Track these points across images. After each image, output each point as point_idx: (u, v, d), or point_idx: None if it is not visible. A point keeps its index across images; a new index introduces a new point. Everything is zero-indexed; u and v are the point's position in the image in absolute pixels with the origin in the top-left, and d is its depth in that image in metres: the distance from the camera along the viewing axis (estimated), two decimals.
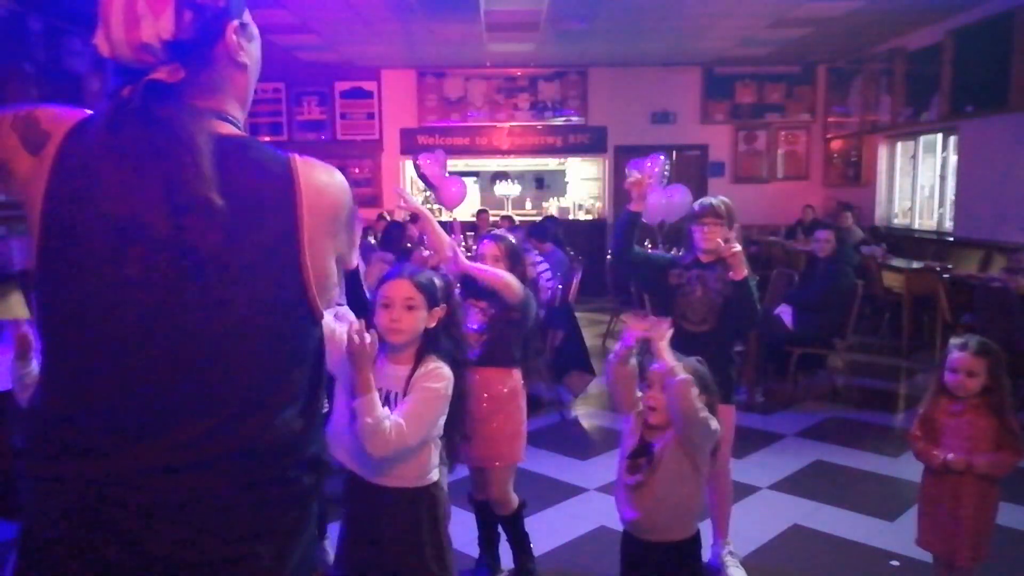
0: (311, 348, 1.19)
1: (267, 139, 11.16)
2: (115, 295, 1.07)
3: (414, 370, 2.09)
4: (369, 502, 2.11)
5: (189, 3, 1.10)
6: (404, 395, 2.06)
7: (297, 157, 1.15)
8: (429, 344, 2.12)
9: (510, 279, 2.81)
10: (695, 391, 2.15)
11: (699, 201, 3.13)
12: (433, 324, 2.12)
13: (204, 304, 1.07)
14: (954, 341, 2.59)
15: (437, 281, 2.18)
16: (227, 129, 1.15)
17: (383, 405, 2.00)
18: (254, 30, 1.23)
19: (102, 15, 1.09)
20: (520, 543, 3.04)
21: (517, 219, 9.77)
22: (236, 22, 1.16)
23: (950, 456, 2.47)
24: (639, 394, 2.32)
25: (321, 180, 1.16)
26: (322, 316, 1.19)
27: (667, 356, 2.17)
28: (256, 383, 1.12)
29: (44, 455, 1.10)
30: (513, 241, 3.03)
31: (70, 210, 1.07)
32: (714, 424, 2.18)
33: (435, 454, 2.15)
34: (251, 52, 1.21)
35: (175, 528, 1.08)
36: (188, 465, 1.08)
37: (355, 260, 1.28)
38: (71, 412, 1.09)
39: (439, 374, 2.08)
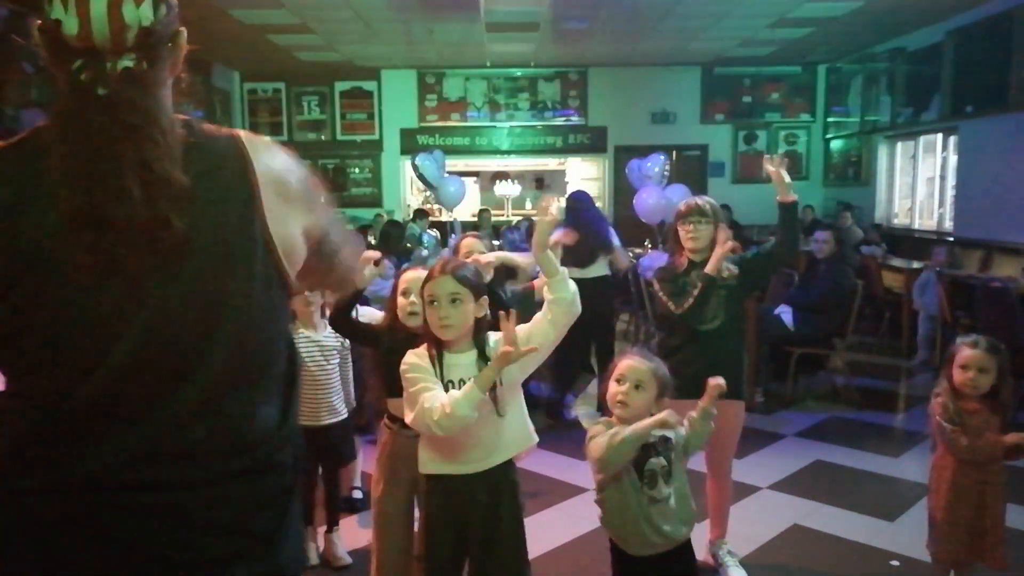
0: (285, 333, 1.22)
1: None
2: (89, 292, 1.05)
3: (481, 355, 2.10)
4: (465, 491, 2.15)
5: None
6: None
7: (242, 133, 1.18)
8: (484, 331, 2.13)
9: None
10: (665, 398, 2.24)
11: (684, 201, 3.15)
12: (483, 314, 2.12)
13: (180, 282, 1.07)
14: (962, 339, 2.59)
15: (476, 270, 2.18)
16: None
17: None
18: None
19: None
20: None
21: (522, 220, 9.78)
22: (183, 29, 1.17)
23: (1013, 436, 2.43)
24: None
25: (268, 152, 1.19)
26: (292, 288, 1.20)
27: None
28: (230, 367, 1.11)
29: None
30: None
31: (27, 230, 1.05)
32: None
33: None
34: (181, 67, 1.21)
35: (166, 527, 1.08)
36: (172, 455, 1.08)
37: (331, 228, 1.30)
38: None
39: None
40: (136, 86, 1.08)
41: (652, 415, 2.24)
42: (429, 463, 2.17)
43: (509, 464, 2.19)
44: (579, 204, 5.34)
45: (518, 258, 2.99)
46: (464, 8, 7.60)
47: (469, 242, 2.90)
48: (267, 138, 1.22)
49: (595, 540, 3.46)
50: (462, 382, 2.08)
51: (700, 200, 3.07)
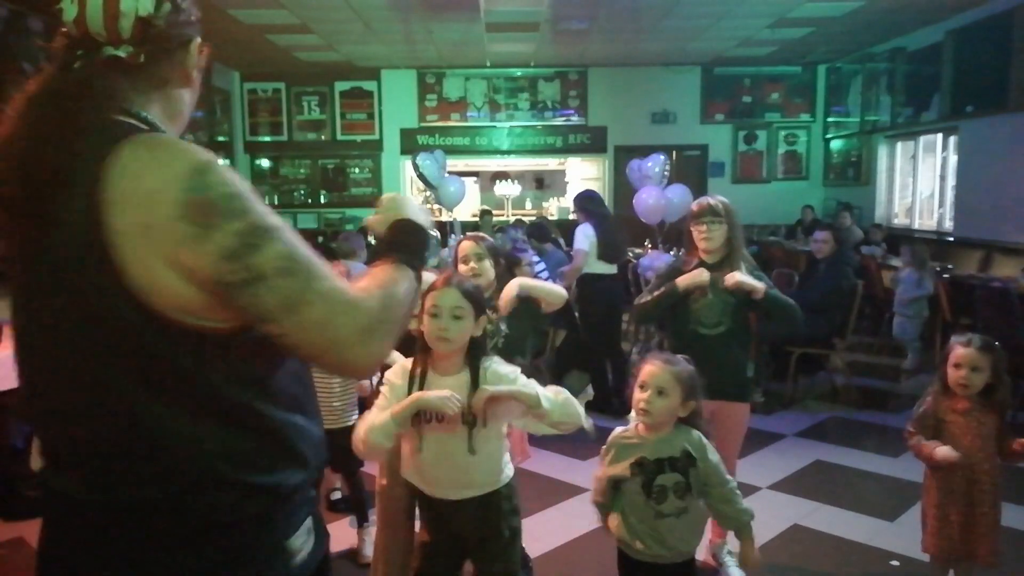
0: (183, 360, 1.01)
1: (267, 139, 11.26)
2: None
3: (474, 378, 2.03)
4: (450, 515, 2.15)
5: None
6: (469, 401, 2.00)
7: (143, 136, 1.02)
8: (478, 351, 2.08)
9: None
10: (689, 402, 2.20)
11: (697, 201, 3.11)
12: (479, 333, 2.07)
13: (32, 284, 1.05)
14: (956, 338, 2.59)
15: (479, 287, 2.16)
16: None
17: (441, 419, 2.01)
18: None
19: None
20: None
21: (521, 219, 9.78)
22: (201, 42, 1.16)
23: (940, 451, 2.46)
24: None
25: (142, 162, 0.98)
26: (205, 329, 1.01)
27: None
28: (104, 395, 1.02)
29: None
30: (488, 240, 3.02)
31: None
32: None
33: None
34: (197, 80, 1.19)
35: (106, 557, 1.05)
36: (90, 483, 1.05)
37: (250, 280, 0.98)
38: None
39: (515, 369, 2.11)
40: (120, 73, 1.06)
41: (679, 418, 2.20)
42: (408, 472, 2.16)
43: (494, 493, 2.14)
44: (594, 204, 5.57)
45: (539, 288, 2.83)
46: (464, 8, 7.60)
47: (467, 245, 2.87)
48: (166, 145, 1.02)
49: (595, 540, 3.46)
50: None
51: (713, 200, 3.03)
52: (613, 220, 5.55)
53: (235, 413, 1.06)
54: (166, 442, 1.02)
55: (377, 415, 1.99)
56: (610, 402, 5.18)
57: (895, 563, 3.20)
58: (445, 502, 2.12)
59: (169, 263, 0.97)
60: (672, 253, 6.42)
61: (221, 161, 1.04)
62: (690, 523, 2.20)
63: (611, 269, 5.38)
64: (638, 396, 2.19)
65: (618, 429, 2.30)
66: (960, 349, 2.52)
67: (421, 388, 2.03)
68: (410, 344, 2.19)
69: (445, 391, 1.95)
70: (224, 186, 0.99)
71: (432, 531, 2.21)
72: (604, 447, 2.27)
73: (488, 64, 10.90)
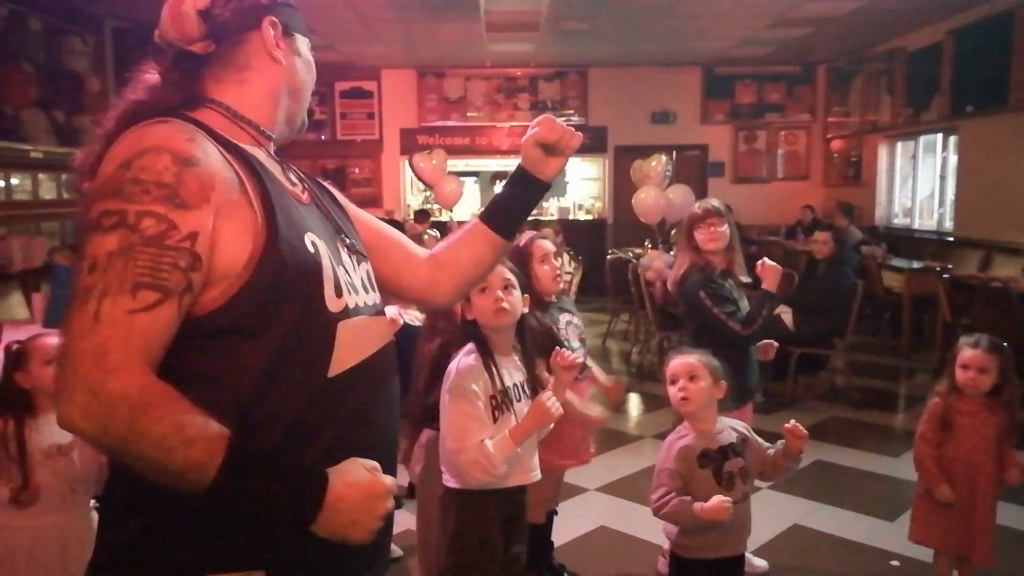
0: None
1: None
2: None
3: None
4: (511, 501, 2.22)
5: None
6: (530, 386, 2.11)
7: (142, 125, 1.03)
8: (524, 331, 2.11)
9: None
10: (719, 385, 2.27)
11: (699, 204, 3.16)
12: (526, 309, 2.12)
13: None
14: (965, 339, 2.59)
15: None
16: (202, 115, 1.11)
17: (517, 399, 2.10)
18: (302, 48, 1.22)
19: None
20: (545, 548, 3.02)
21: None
22: (275, 19, 1.16)
23: (943, 493, 2.50)
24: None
25: (119, 143, 1.02)
26: None
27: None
28: None
29: None
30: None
31: None
32: None
33: None
34: (292, 60, 1.19)
35: None
36: None
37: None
38: None
39: None
40: (203, 67, 1.16)
41: (717, 401, 2.27)
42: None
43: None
44: None
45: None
46: (464, 8, 7.60)
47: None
48: (143, 129, 1.03)
49: (595, 540, 3.46)
50: (516, 388, 2.10)
51: (714, 201, 3.14)
52: None
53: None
54: None
55: (493, 444, 1.98)
56: None
57: (895, 563, 3.20)
58: (512, 489, 2.12)
59: None
60: (672, 253, 6.43)
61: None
62: (746, 512, 2.27)
63: None
64: (673, 391, 2.26)
65: (669, 437, 2.35)
66: (967, 351, 2.52)
67: (497, 374, 2.06)
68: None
69: (547, 403, 1.99)
70: (143, 172, 0.97)
71: (485, 527, 2.13)
72: (663, 462, 2.27)
73: (488, 64, 10.90)
